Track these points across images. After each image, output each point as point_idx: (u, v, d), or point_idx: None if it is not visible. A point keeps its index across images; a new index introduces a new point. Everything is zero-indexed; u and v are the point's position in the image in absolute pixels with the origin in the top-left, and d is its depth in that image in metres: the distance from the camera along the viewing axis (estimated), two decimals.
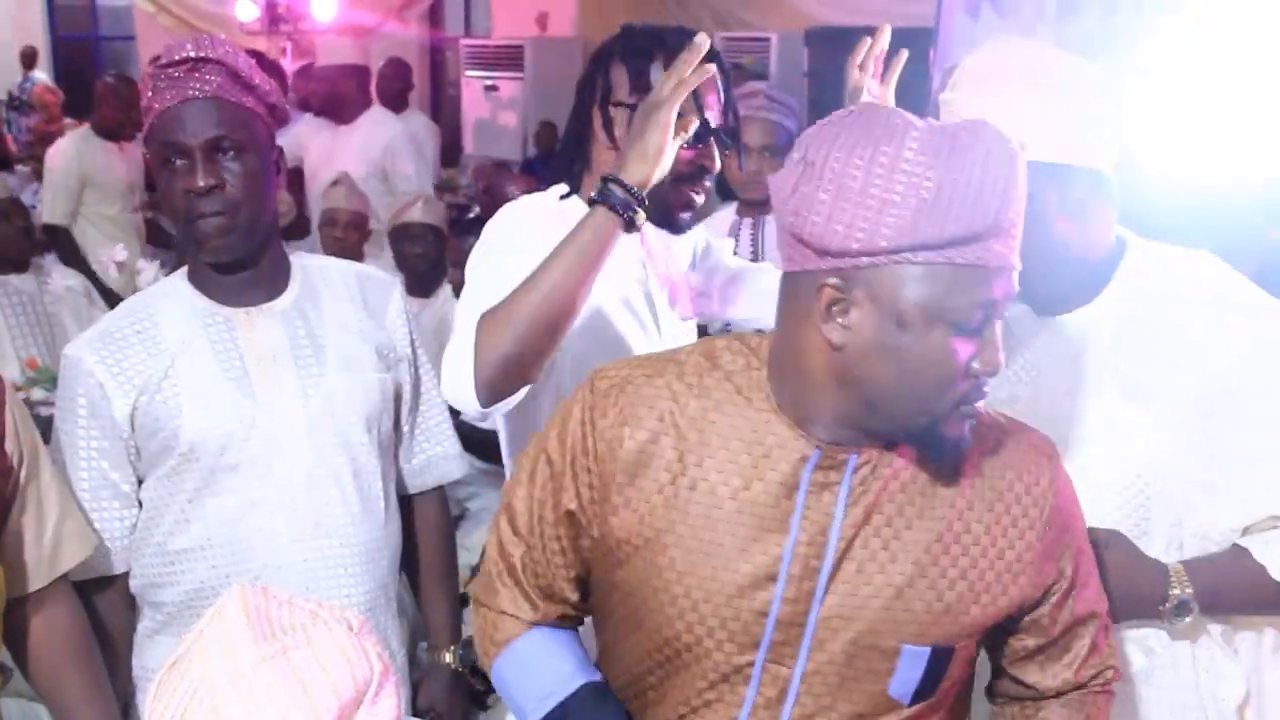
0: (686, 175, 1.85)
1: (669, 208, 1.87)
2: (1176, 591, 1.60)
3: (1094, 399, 1.64)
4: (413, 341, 2.06)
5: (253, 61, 1.89)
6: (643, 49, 1.87)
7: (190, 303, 1.89)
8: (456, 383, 1.64)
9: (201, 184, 1.78)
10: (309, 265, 2.00)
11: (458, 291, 3.77)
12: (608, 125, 1.91)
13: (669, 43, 1.83)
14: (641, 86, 1.84)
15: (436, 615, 2.18)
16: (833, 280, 1.24)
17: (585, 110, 1.94)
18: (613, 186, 1.66)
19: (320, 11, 9.68)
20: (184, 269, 1.95)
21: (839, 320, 1.25)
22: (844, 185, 1.21)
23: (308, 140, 5.75)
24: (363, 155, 5.46)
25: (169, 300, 1.91)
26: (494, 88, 9.31)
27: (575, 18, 9.13)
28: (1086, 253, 1.64)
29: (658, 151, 1.65)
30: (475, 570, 3.49)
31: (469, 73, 9.58)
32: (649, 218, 1.73)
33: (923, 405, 1.26)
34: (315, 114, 5.90)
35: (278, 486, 1.87)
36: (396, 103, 6.21)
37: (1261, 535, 1.61)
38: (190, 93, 1.79)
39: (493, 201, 5.23)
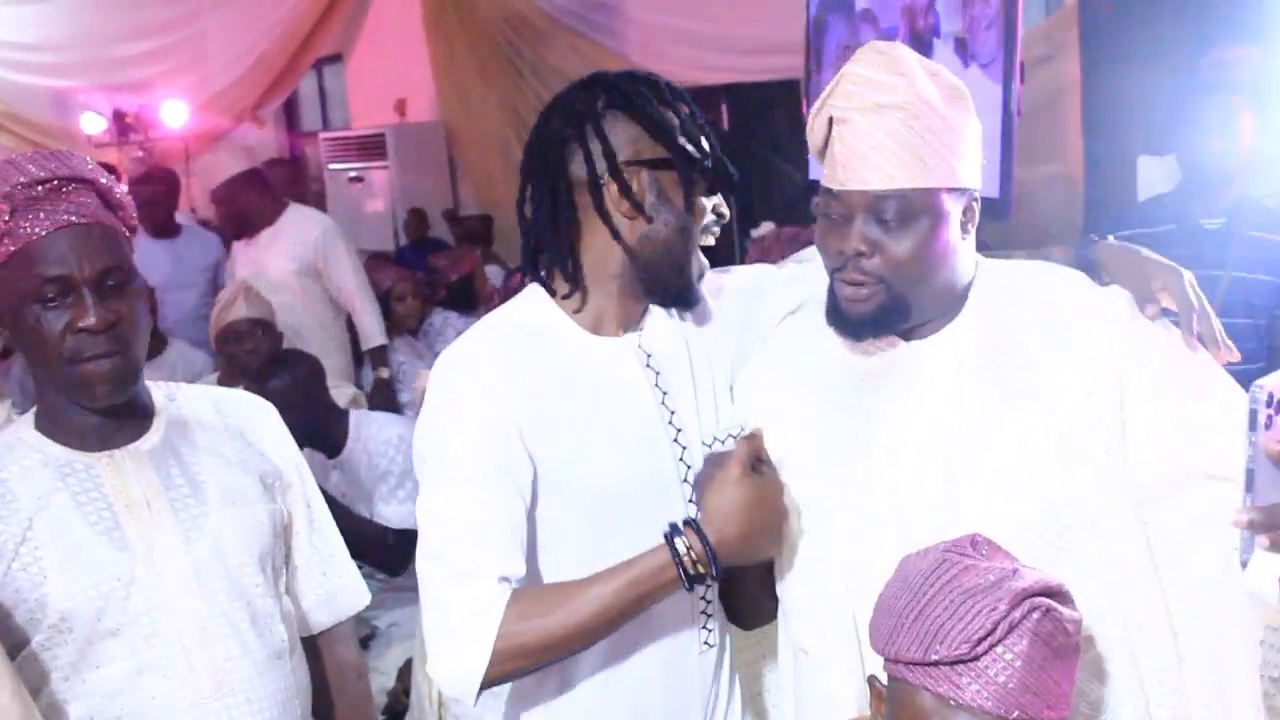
0: (707, 228, 1.66)
1: (689, 278, 1.65)
2: None
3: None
4: (299, 465, 1.87)
5: (112, 178, 1.71)
6: (641, 94, 1.62)
7: (43, 453, 1.68)
8: (455, 676, 1.57)
9: (94, 322, 1.59)
10: (173, 395, 1.81)
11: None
12: (627, 192, 1.61)
13: (659, 88, 1.64)
14: (660, 134, 1.61)
15: None
16: None
17: (558, 190, 1.63)
18: (690, 534, 1.53)
19: (171, 118, 9.42)
20: (27, 416, 1.73)
21: None
22: None
23: (234, 256, 5.02)
24: (293, 253, 4.75)
25: (15, 453, 1.68)
26: (359, 178, 9.11)
27: (434, 100, 8.99)
28: (959, 269, 1.55)
29: (749, 507, 1.52)
30: (392, 695, 3.26)
31: (331, 165, 9.38)
32: (664, 302, 1.65)
33: None
34: (233, 239, 5.04)
35: (168, 647, 1.66)
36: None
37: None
38: (67, 218, 1.60)
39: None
